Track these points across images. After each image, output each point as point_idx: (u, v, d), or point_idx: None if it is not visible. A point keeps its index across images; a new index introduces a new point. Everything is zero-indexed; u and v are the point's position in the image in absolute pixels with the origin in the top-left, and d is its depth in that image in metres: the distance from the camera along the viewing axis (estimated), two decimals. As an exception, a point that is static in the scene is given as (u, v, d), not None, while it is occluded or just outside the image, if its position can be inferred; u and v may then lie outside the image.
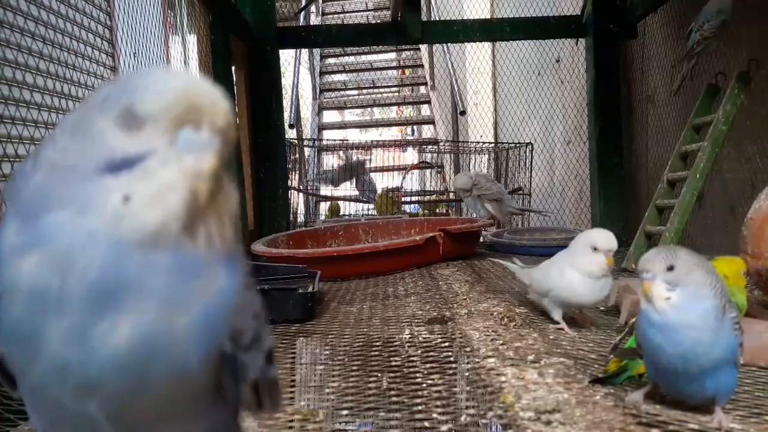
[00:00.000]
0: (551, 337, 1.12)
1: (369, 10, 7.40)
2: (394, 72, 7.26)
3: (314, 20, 6.61)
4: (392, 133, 9.49)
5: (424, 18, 3.97)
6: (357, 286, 1.79)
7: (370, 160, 4.18)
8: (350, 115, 8.80)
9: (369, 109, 8.85)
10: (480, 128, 4.75)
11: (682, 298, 0.68)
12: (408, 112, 8.92)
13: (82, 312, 0.33)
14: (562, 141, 3.67)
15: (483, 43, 4.50)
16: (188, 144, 0.35)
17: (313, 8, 6.57)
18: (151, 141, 0.35)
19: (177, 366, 0.35)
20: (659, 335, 0.69)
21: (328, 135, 6.28)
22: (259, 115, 2.74)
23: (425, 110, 6.77)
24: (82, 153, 0.35)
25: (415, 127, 8.36)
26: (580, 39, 2.90)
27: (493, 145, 4.09)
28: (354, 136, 6.57)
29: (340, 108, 7.02)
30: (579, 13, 2.85)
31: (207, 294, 0.36)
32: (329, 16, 7.37)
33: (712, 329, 0.68)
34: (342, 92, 6.71)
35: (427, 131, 6.93)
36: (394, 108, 9.18)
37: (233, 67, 2.48)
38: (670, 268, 0.69)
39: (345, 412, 0.82)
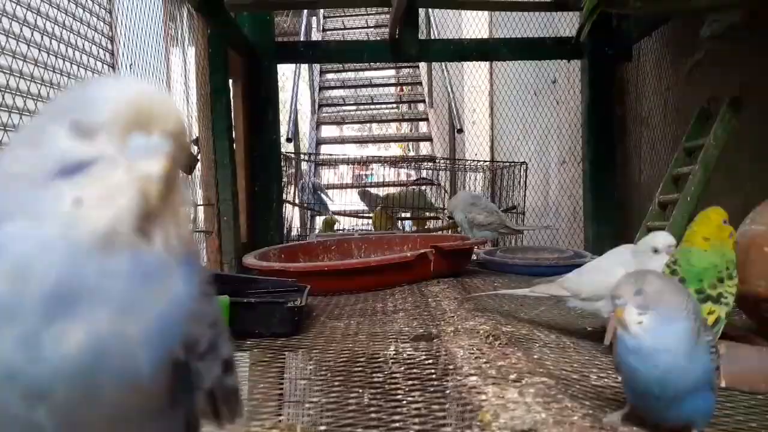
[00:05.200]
0: (535, 356, 1.12)
1: (369, 27, 7.47)
2: (393, 89, 7.31)
3: (315, 36, 6.67)
4: (392, 150, 9.52)
5: (422, 36, 4.00)
6: (347, 301, 1.78)
7: (369, 174, 4.22)
8: (349, 131, 8.84)
9: (367, 125, 8.88)
10: (476, 146, 4.77)
11: (654, 320, 0.69)
12: (406, 128, 8.95)
13: (34, 320, 0.33)
14: (556, 161, 3.68)
15: (481, 62, 4.53)
16: (138, 148, 0.36)
17: (314, 24, 6.63)
18: (102, 147, 0.36)
19: (128, 374, 0.35)
20: (635, 359, 0.69)
21: (327, 150, 6.30)
22: (255, 129, 2.75)
23: (423, 127, 6.80)
24: (35, 160, 0.36)
25: (412, 144, 8.39)
26: (575, 60, 2.92)
27: (488, 163, 4.10)
28: (352, 151, 6.58)
29: (339, 123, 7.05)
30: (575, 36, 2.88)
31: (161, 301, 0.36)
32: (330, 32, 7.44)
33: (686, 352, 0.68)
34: (340, 107, 6.75)
35: (423, 148, 6.96)
36: (393, 124, 9.22)
37: (231, 80, 2.50)
38: (639, 292, 0.69)
39: (323, 427, 0.81)
